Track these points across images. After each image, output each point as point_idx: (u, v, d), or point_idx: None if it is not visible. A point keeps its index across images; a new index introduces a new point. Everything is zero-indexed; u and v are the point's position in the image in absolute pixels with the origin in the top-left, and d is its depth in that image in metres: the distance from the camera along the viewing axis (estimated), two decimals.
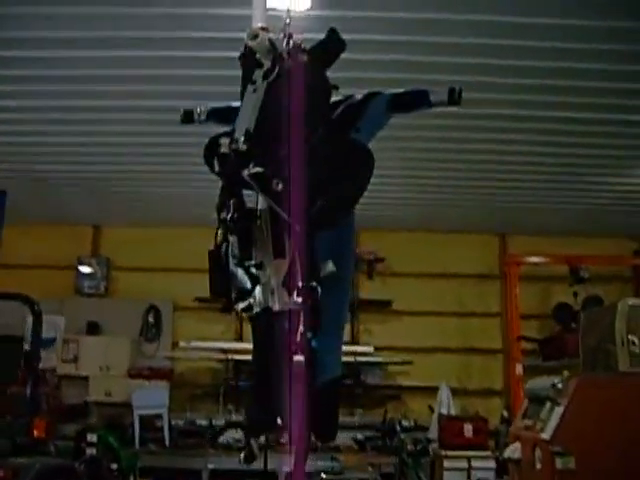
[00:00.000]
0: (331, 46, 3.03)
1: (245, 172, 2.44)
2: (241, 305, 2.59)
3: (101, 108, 7.00)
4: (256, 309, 2.61)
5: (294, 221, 2.44)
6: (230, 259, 2.60)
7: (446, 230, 11.27)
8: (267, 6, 4.28)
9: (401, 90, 3.32)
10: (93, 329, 10.82)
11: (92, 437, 7.19)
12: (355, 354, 10.62)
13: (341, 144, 3.03)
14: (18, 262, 10.62)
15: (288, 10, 3.51)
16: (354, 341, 11.19)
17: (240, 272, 2.62)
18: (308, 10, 4.85)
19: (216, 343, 10.68)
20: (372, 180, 9.28)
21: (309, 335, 2.50)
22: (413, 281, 11.48)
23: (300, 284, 2.50)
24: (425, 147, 7.97)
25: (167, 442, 9.27)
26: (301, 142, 2.52)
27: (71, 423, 9.01)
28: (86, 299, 11.23)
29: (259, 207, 2.71)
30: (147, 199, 10.14)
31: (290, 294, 2.56)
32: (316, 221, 2.67)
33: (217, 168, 2.52)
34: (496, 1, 5.01)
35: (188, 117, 3.43)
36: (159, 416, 9.47)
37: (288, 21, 3.33)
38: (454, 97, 3.15)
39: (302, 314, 2.47)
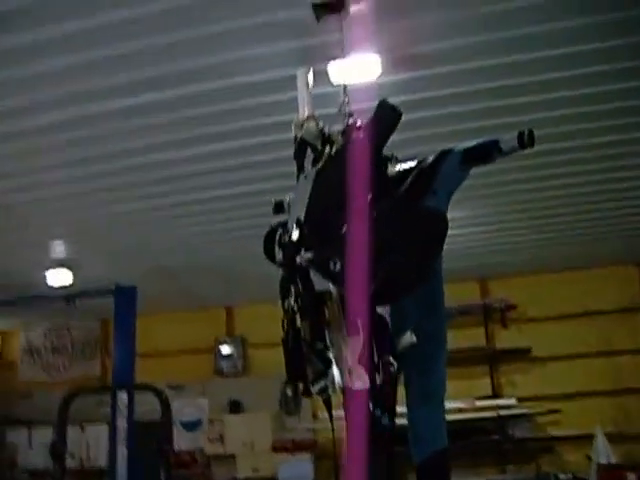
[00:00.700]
0: (384, 121, 3.05)
1: (298, 259, 2.49)
2: (316, 387, 2.61)
3: (206, 200, 7.47)
4: (330, 390, 2.62)
5: (358, 300, 2.44)
6: (303, 343, 2.63)
7: (578, 267, 10.76)
8: (342, 81, 4.41)
9: (472, 143, 3.28)
10: (235, 407, 11.13)
11: None
12: (498, 408, 10.23)
13: (410, 213, 3.01)
14: (159, 349, 11.20)
15: (345, 87, 3.61)
16: (496, 394, 10.78)
17: (313, 355, 2.64)
18: (380, 76, 4.90)
19: None
20: (489, 227, 9.15)
21: (378, 413, 2.46)
22: (551, 324, 10.96)
23: (374, 361, 2.48)
24: (534, 187, 7.73)
25: None
26: (357, 220, 2.54)
27: None
28: (226, 379, 11.61)
29: (330, 288, 2.74)
30: (272, 276, 10.44)
31: (367, 372, 2.54)
32: (386, 295, 2.65)
33: (278, 258, 2.59)
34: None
35: (279, 208, 3.56)
36: None
37: (347, 100, 3.42)
38: (524, 141, 3.09)
39: (378, 391, 2.45)
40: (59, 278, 9.43)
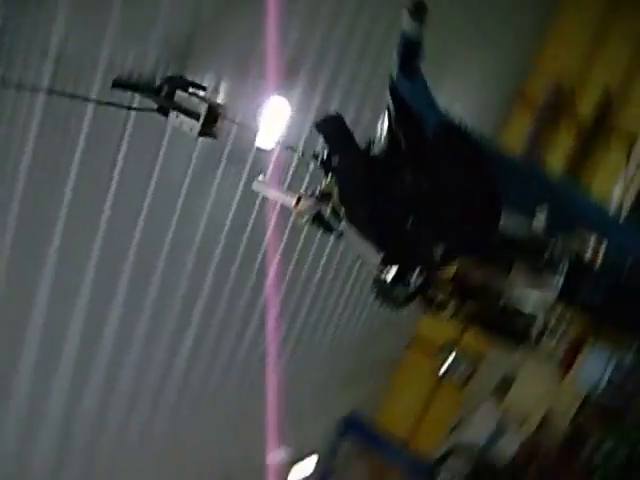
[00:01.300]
0: (334, 129, 3.02)
1: (413, 282, 2.52)
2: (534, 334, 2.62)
3: None
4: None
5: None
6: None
7: None
8: (275, 142, 4.40)
9: (396, 58, 3.25)
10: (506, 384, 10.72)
11: None
12: None
13: (431, 155, 2.95)
14: None
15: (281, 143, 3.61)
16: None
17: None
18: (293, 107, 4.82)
19: None
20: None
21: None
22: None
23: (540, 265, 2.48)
24: None
25: None
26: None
27: None
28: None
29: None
30: None
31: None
32: (494, 219, 2.61)
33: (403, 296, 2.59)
34: None
35: None
36: None
37: (299, 148, 3.42)
38: (417, 14, 3.05)
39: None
40: None
